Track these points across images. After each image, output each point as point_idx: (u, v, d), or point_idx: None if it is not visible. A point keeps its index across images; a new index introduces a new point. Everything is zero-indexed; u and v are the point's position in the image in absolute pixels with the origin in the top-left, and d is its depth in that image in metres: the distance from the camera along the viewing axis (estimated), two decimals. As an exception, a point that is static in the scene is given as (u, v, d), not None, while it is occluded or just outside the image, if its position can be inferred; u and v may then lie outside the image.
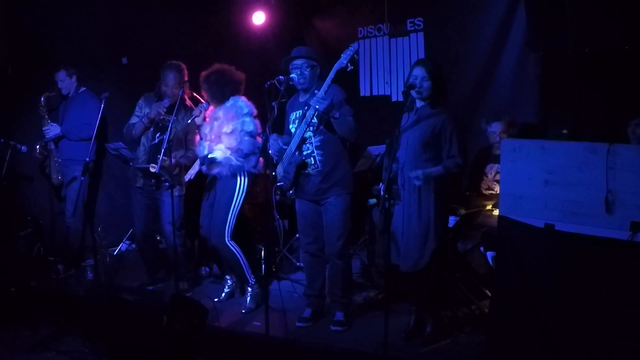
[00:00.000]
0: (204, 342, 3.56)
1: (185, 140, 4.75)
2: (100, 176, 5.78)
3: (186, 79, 4.68)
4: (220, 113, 4.42)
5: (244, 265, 4.46)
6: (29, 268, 5.24)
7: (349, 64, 3.84)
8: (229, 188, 4.40)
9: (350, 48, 3.86)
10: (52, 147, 5.31)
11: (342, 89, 4.02)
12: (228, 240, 4.39)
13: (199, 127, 4.58)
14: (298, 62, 4.00)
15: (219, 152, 4.34)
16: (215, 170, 4.41)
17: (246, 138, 4.36)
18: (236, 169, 4.35)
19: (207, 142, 4.45)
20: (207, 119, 4.52)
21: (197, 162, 4.70)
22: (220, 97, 4.43)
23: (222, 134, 4.37)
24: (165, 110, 4.57)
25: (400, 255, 3.65)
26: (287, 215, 5.59)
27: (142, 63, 5.81)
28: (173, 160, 4.49)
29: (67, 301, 4.44)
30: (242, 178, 4.40)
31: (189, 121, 4.55)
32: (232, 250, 4.41)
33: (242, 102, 4.43)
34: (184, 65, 4.69)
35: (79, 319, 3.93)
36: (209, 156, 4.35)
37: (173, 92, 4.59)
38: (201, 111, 4.46)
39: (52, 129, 5.28)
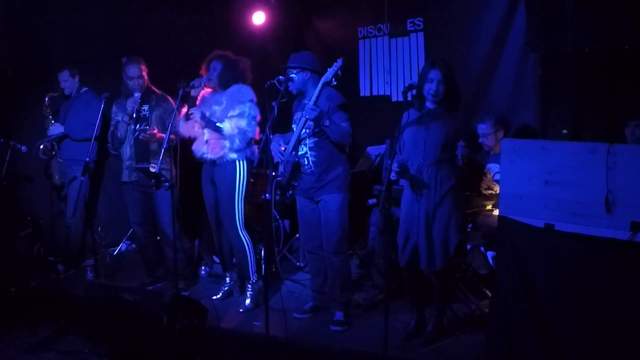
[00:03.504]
0: (204, 342, 3.56)
1: (163, 121, 4.70)
2: (102, 176, 5.78)
3: (145, 67, 4.76)
4: (224, 99, 4.39)
5: (249, 260, 4.46)
6: (29, 268, 5.25)
7: (333, 79, 3.88)
8: (228, 176, 4.38)
9: (334, 65, 3.88)
10: (56, 147, 5.31)
11: (340, 94, 4.03)
12: (241, 230, 4.42)
13: (189, 101, 4.47)
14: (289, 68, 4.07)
15: (227, 125, 4.29)
16: (215, 155, 4.35)
17: (253, 122, 4.35)
18: (236, 151, 4.32)
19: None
20: (199, 100, 4.46)
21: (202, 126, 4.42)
22: (224, 84, 4.41)
23: (229, 117, 4.32)
24: (139, 102, 4.66)
25: (424, 257, 3.62)
26: (287, 215, 5.58)
27: (142, 63, 5.82)
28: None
29: (67, 301, 4.44)
30: (241, 163, 4.38)
31: (194, 89, 4.42)
32: (242, 241, 4.43)
33: (246, 88, 4.42)
34: (141, 58, 4.77)
35: (79, 319, 3.94)
36: (217, 124, 4.29)
37: (139, 84, 4.69)
38: (201, 83, 4.41)
39: (55, 129, 5.28)
